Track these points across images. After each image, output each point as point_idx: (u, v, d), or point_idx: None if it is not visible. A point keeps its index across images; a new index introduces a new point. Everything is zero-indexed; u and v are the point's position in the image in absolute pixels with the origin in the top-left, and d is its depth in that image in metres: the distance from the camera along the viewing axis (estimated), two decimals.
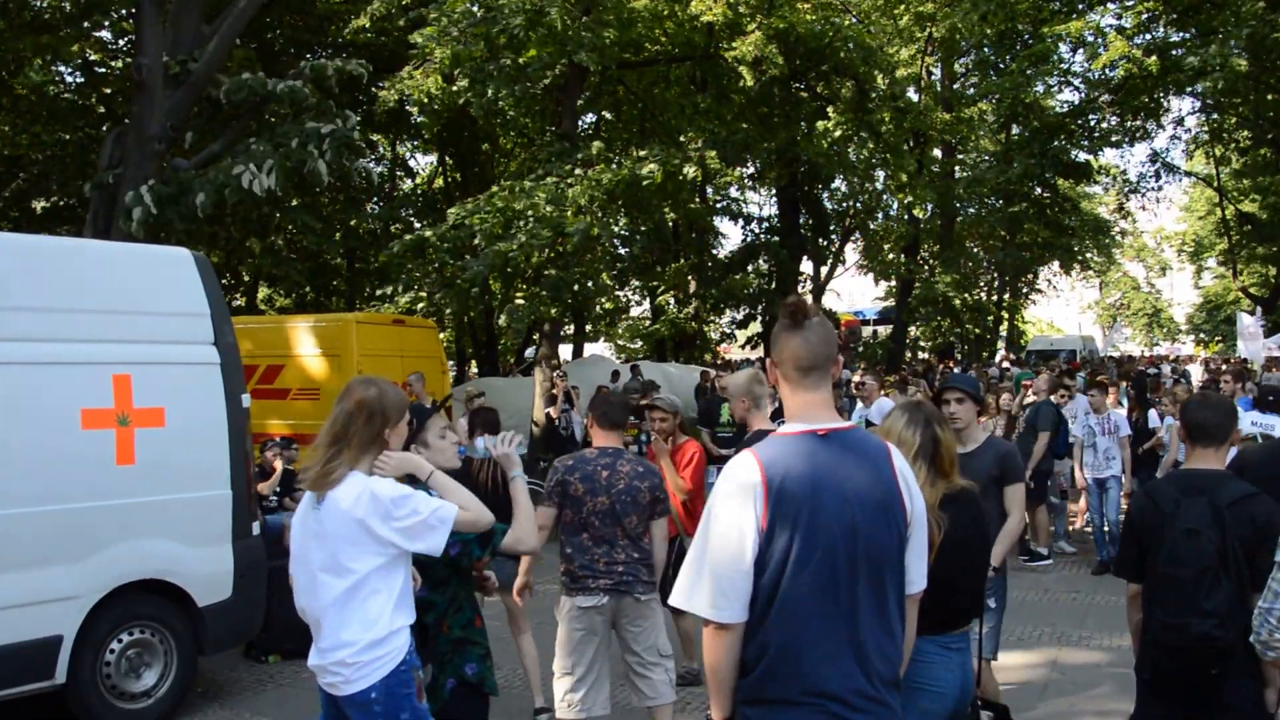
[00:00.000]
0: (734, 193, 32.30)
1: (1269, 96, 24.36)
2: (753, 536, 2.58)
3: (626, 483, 5.18)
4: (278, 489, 9.76)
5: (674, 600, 2.72)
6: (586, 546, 5.25)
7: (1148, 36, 24.98)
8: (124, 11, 18.67)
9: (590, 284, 16.35)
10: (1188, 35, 24.27)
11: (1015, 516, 5.32)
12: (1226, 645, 3.71)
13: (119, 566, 6.31)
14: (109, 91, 21.23)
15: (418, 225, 22.53)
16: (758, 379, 6.05)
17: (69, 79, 22.16)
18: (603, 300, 20.99)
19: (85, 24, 18.96)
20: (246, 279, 25.28)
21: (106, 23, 19.81)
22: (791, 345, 2.77)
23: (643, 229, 25.17)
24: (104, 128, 18.93)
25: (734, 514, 2.61)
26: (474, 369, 29.45)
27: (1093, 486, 11.18)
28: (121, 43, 21.11)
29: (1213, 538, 3.76)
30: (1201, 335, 59.30)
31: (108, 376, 6.27)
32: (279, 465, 9.92)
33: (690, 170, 15.75)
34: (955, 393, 5.20)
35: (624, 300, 34.73)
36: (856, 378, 18.46)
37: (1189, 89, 25.39)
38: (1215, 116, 29.32)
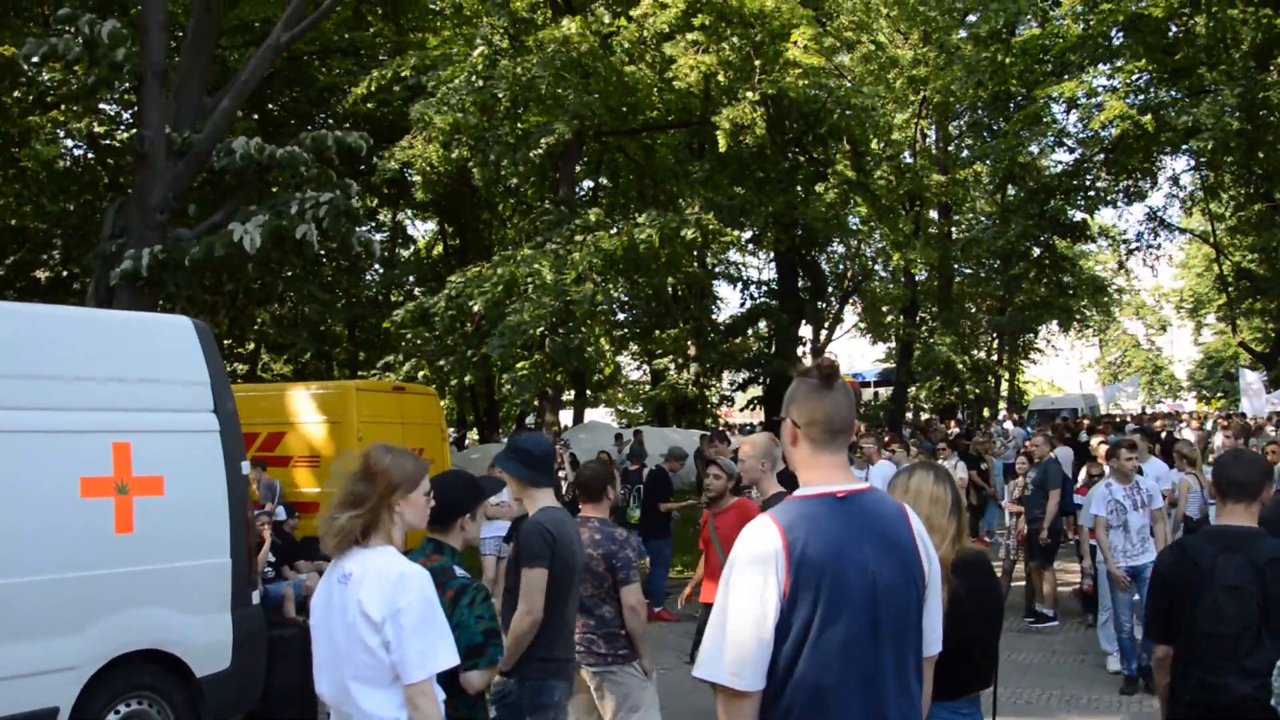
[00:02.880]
0: (733, 256, 32.53)
1: (1259, 153, 24.59)
2: (774, 603, 2.54)
3: (582, 551, 5.10)
4: (271, 559, 9.65)
5: (696, 671, 2.67)
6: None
7: (1141, 98, 25.25)
8: (128, 85, 18.97)
9: (591, 349, 16.39)
10: (1179, 95, 24.55)
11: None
12: (1267, 705, 3.57)
13: (117, 636, 6.24)
14: (113, 163, 21.46)
15: (418, 292, 22.67)
16: (776, 442, 6.00)
17: (74, 151, 22.43)
18: (602, 365, 21.01)
19: (91, 98, 19.18)
20: (250, 346, 25.36)
21: (112, 96, 20.06)
22: (823, 406, 2.73)
23: (642, 295, 25.30)
24: (108, 198, 19.11)
25: (755, 581, 2.56)
26: (474, 435, 29.42)
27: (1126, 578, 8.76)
28: (126, 115, 21.36)
29: (1254, 594, 3.69)
30: (1203, 392, 59.27)
31: (107, 444, 6.25)
32: (267, 535, 9.80)
33: (689, 233, 15.84)
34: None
35: (622, 365, 34.80)
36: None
37: (1183, 146, 25.62)
38: (1209, 173, 29.58)
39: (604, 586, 5.11)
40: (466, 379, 16.65)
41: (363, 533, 3.29)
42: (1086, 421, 27.14)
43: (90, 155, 22.08)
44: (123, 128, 21.65)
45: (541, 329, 15.19)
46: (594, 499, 5.39)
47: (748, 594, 2.56)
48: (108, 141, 21.94)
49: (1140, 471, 9.50)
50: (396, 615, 3.15)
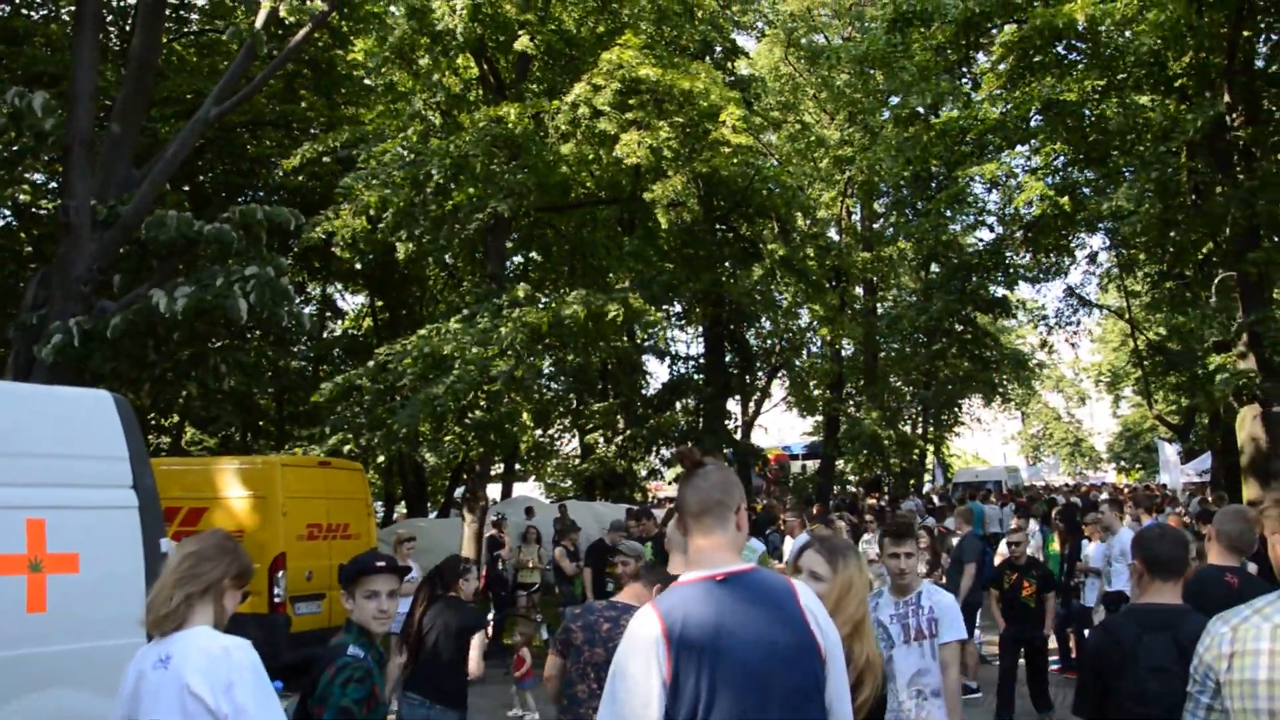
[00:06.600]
0: (661, 331, 32.77)
1: (1171, 234, 25.43)
2: (658, 690, 2.58)
3: None
4: None
5: None
6: (581, 699, 5.13)
7: (1059, 177, 26.02)
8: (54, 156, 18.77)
9: (514, 425, 16.34)
10: (1095, 176, 25.36)
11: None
12: None
13: (29, 719, 6.09)
14: (37, 233, 21.12)
15: (346, 367, 22.48)
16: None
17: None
18: (525, 440, 20.98)
19: (14, 168, 18.95)
20: (174, 419, 24.89)
21: (38, 166, 19.83)
22: (685, 492, 2.88)
23: (567, 370, 25.34)
24: (31, 269, 18.79)
25: (638, 669, 2.61)
26: (403, 509, 29.10)
27: None
28: (54, 185, 21.08)
29: (1180, 674, 3.59)
30: (1122, 463, 60.51)
31: (21, 521, 6.13)
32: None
33: (613, 310, 16.00)
34: None
35: (547, 440, 34.73)
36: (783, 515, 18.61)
37: (1099, 225, 26.40)
38: (1124, 252, 30.50)
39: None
40: (390, 452, 16.48)
41: (189, 613, 3.32)
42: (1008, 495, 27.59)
43: (14, 224, 21.72)
44: (49, 197, 21.36)
45: (461, 402, 15.14)
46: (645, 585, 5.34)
47: (632, 681, 2.61)
48: (33, 211, 21.62)
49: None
50: (230, 690, 3.17)
